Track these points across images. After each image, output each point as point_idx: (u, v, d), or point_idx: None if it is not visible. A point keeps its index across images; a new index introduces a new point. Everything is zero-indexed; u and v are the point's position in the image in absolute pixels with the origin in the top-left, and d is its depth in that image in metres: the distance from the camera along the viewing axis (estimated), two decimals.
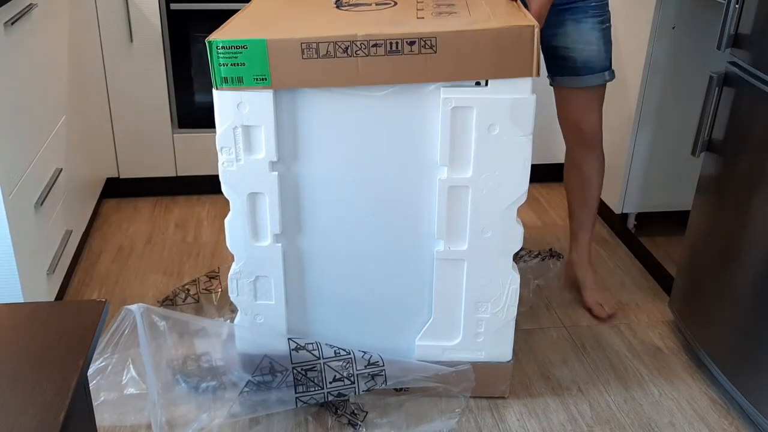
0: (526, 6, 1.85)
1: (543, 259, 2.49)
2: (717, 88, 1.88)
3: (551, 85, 2.13)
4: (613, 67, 2.06)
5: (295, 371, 1.79)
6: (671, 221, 2.61)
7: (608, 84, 2.02)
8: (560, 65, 2.06)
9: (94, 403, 1.79)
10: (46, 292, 2.04)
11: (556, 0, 1.92)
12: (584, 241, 2.28)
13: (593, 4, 1.98)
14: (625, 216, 2.65)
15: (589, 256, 2.30)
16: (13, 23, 1.87)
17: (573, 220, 2.29)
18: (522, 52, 1.54)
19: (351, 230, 1.75)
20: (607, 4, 2.01)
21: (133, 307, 1.76)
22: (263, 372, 1.81)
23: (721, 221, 1.90)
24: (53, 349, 0.91)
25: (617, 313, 2.27)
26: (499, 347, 1.85)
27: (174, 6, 2.67)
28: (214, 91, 1.59)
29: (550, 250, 2.54)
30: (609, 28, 2.04)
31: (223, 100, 1.59)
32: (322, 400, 1.82)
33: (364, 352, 1.81)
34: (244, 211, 1.70)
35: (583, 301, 2.29)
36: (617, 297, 2.35)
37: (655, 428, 1.84)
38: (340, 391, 1.81)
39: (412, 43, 1.53)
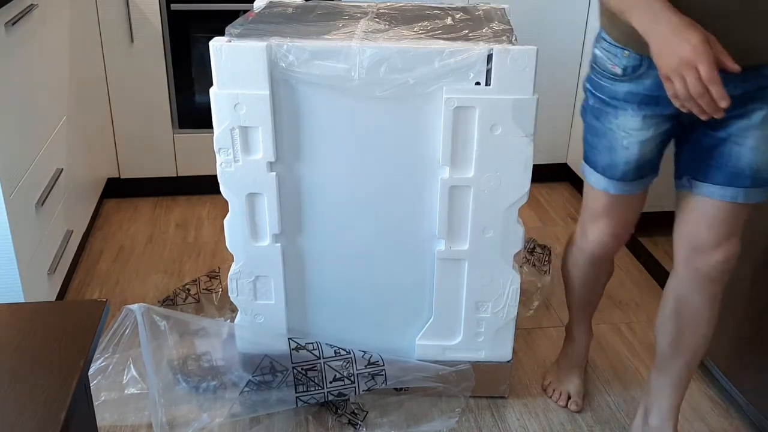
0: None
1: (533, 250, 2.48)
2: None
3: (680, 188, 1.59)
4: None
5: (295, 371, 1.79)
6: (671, 221, 2.61)
7: None
8: (713, 165, 1.47)
9: (95, 403, 1.79)
10: (46, 291, 2.04)
11: (748, 86, 1.39)
12: (669, 403, 1.70)
13: None
14: None
15: (675, 426, 1.72)
16: (13, 23, 1.88)
17: (657, 370, 1.71)
18: None
19: (351, 229, 1.75)
20: None
21: (134, 306, 1.76)
22: (264, 372, 1.81)
23: None
24: (54, 348, 0.91)
25: None
26: (500, 347, 1.85)
27: (174, 6, 2.67)
28: (211, 93, 1.59)
29: (533, 240, 2.55)
30: None
31: (219, 102, 1.59)
32: (323, 400, 1.82)
33: (364, 352, 1.81)
34: (243, 211, 1.70)
35: None
36: (618, 298, 2.35)
37: None
38: (341, 391, 1.81)
39: None
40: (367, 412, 1.85)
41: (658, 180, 2.79)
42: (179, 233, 2.71)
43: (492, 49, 1.55)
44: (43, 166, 2.08)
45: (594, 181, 1.61)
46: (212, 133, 1.63)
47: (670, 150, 1.59)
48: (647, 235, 2.61)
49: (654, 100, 1.44)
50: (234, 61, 1.56)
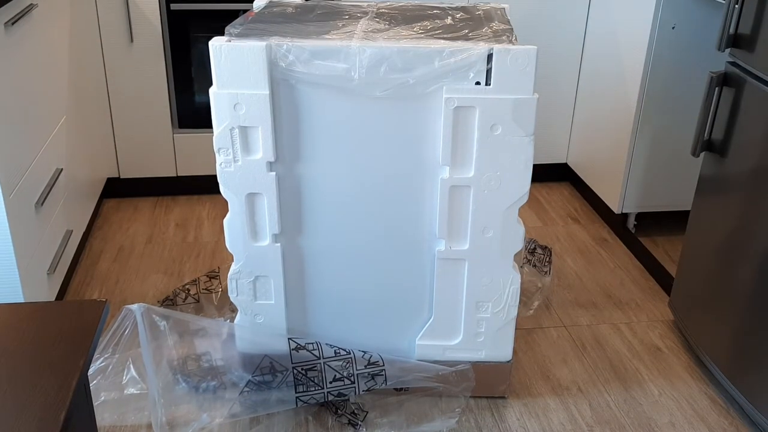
0: None
1: (533, 251, 2.48)
2: (717, 88, 1.88)
3: None
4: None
5: (295, 371, 1.79)
6: (671, 221, 2.61)
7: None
8: None
9: (95, 403, 1.79)
10: (46, 291, 2.04)
11: None
12: None
13: None
14: (625, 216, 2.66)
15: None
16: (13, 23, 1.87)
17: None
18: None
19: (351, 229, 1.75)
20: None
21: (134, 306, 1.76)
22: (263, 372, 1.81)
23: (721, 221, 1.90)
24: (53, 349, 0.91)
25: None
26: (500, 347, 1.85)
27: (174, 6, 2.67)
28: (211, 93, 1.59)
29: (534, 241, 2.55)
30: None
31: (219, 102, 1.59)
32: (323, 400, 1.82)
33: (364, 352, 1.81)
34: (243, 211, 1.70)
35: None
36: (618, 298, 2.35)
37: (655, 428, 1.84)
38: (341, 391, 1.81)
39: None
40: (367, 412, 1.85)
41: (657, 182, 2.79)
42: (179, 233, 2.71)
43: (492, 48, 1.55)
44: (43, 166, 2.08)
45: None
46: (212, 133, 1.63)
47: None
48: (647, 235, 2.61)
49: None
50: (234, 61, 1.56)
